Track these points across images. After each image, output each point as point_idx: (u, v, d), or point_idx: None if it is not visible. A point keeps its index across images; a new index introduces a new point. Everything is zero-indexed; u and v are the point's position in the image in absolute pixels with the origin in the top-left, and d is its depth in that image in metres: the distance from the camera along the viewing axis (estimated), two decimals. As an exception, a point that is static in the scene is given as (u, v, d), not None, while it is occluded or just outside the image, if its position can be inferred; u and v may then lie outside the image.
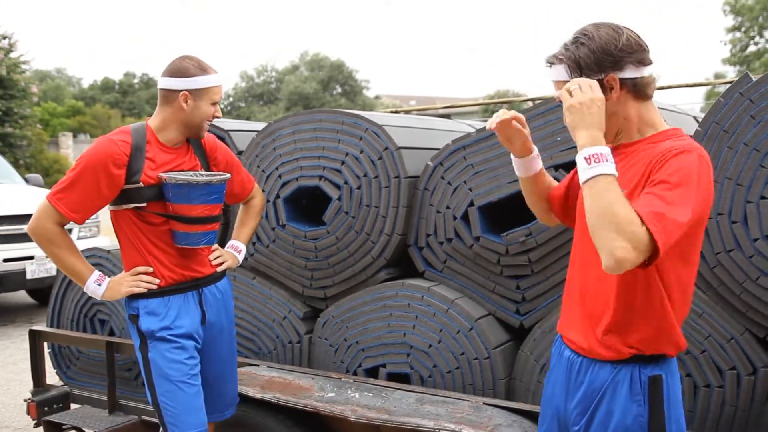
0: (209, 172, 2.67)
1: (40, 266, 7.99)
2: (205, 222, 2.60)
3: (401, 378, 3.06)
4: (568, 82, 1.74)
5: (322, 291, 3.31)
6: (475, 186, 2.95)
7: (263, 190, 3.36)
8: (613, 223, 1.55)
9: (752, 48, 31.07)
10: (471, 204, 2.96)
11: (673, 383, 1.81)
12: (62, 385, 4.04)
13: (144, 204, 2.54)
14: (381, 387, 2.90)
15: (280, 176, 3.33)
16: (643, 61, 1.74)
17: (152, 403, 2.61)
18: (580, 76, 1.73)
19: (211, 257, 2.73)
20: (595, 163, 1.61)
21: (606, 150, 1.63)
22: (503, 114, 1.97)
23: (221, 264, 2.77)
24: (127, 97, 54.56)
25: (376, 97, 53.49)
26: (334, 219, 3.21)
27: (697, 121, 3.18)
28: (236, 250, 2.89)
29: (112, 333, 3.91)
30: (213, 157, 2.76)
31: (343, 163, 3.18)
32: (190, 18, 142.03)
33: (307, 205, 3.45)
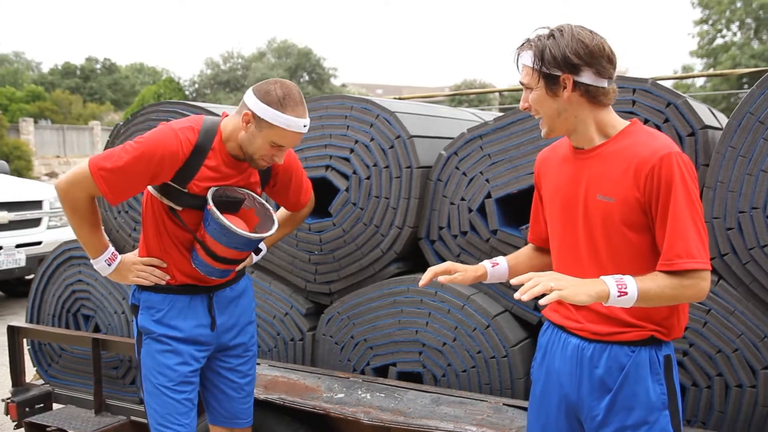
0: (254, 196, 2.43)
1: (8, 257, 7.69)
2: (228, 263, 2.40)
3: (412, 377, 2.93)
4: (532, 69, 1.83)
5: (326, 286, 3.17)
6: (493, 177, 2.83)
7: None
8: (680, 293, 1.74)
9: (719, 41, 31.52)
10: (488, 196, 2.84)
11: (675, 363, 1.93)
12: (43, 384, 3.85)
13: (180, 208, 2.35)
14: (393, 387, 2.77)
15: (282, 165, 3.16)
16: (602, 73, 1.80)
17: (143, 401, 2.49)
18: (542, 66, 1.81)
19: None
20: (623, 293, 1.70)
21: (610, 280, 1.71)
22: (432, 272, 2.06)
23: None
24: (89, 82, 53.41)
25: (343, 86, 53.22)
26: (340, 210, 3.06)
27: (712, 112, 3.10)
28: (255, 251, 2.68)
29: (97, 329, 3.72)
30: (274, 170, 2.53)
31: (352, 151, 3.03)
32: (155, 1, 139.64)
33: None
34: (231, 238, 2.30)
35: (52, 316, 3.83)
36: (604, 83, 1.82)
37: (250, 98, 2.26)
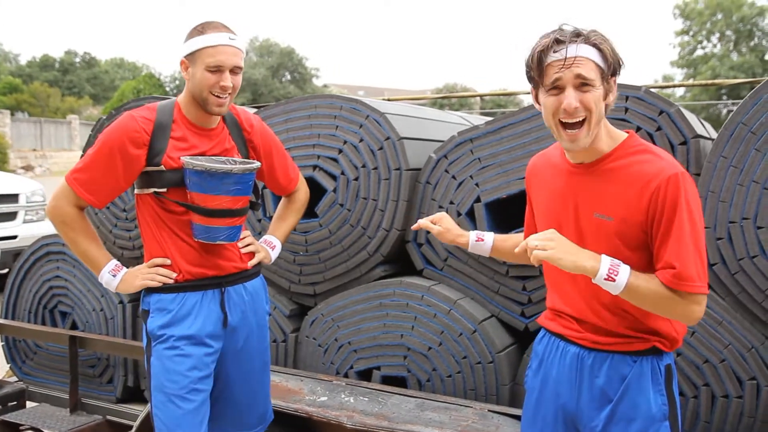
0: (232, 159, 2.37)
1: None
2: (225, 215, 2.30)
3: (397, 381, 2.90)
4: (593, 62, 1.69)
5: (311, 287, 3.13)
6: (483, 181, 2.81)
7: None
8: (669, 307, 1.70)
9: (699, 52, 31.88)
10: (477, 200, 2.82)
11: (675, 373, 1.88)
12: (17, 382, 3.77)
13: (164, 189, 2.28)
14: (377, 391, 2.74)
15: (269, 164, 3.12)
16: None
17: (150, 411, 2.38)
18: (608, 67, 1.71)
19: (240, 244, 2.45)
20: (611, 279, 1.67)
21: (605, 262, 1.68)
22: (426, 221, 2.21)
23: (252, 255, 2.48)
24: (68, 75, 52.85)
25: (325, 86, 53.18)
26: (327, 211, 3.02)
27: (701, 122, 3.10)
28: (270, 245, 2.58)
29: (74, 326, 3.64)
30: (249, 140, 2.47)
31: (340, 151, 3.00)
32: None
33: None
34: (214, 181, 2.23)
35: (27, 312, 3.75)
36: None
37: (181, 51, 2.29)
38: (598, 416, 1.84)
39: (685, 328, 1.88)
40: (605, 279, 1.66)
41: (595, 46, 1.69)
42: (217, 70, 2.23)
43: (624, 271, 1.67)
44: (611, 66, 1.72)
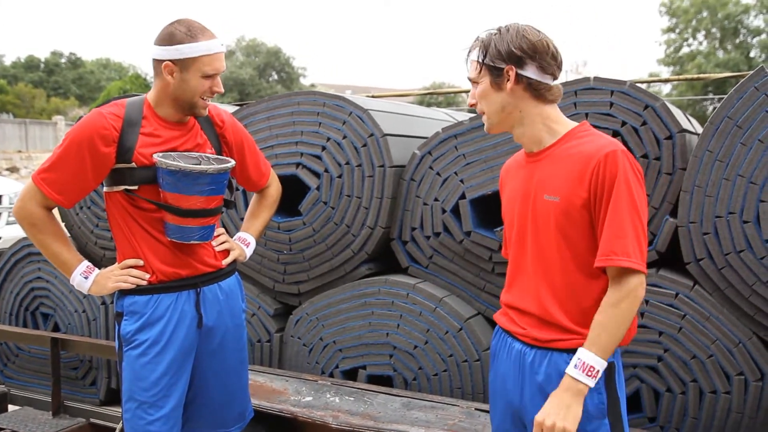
0: (205, 155, 2.32)
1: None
2: (199, 215, 2.25)
3: (383, 381, 2.87)
4: (478, 63, 1.86)
5: (295, 286, 3.09)
6: (467, 178, 2.78)
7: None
8: (621, 307, 1.73)
9: (686, 49, 32.04)
10: (462, 197, 2.79)
11: (620, 369, 1.88)
12: (-2, 385, 3.72)
13: (135, 187, 2.22)
14: (363, 390, 2.71)
15: (252, 162, 3.08)
16: (545, 69, 1.83)
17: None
18: (485, 58, 1.85)
19: (215, 243, 2.39)
20: (594, 376, 1.72)
21: (584, 383, 1.72)
22: None
23: (226, 253, 2.42)
24: (53, 76, 52.52)
25: (312, 85, 53.14)
26: (311, 209, 2.99)
27: (687, 117, 3.09)
28: (244, 242, 2.53)
29: (56, 328, 3.59)
30: (221, 135, 2.42)
31: (323, 149, 2.96)
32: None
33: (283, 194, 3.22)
34: (187, 181, 2.19)
35: (8, 315, 3.70)
36: (549, 80, 1.84)
37: (159, 52, 2.22)
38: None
39: (635, 328, 1.87)
40: (595, 381, 1.72)
41: (479, 45, 1.86)
42: (208, 76, 2.21)
43: (595, 363, 1.72)
44: (491, 58, 1.83)
